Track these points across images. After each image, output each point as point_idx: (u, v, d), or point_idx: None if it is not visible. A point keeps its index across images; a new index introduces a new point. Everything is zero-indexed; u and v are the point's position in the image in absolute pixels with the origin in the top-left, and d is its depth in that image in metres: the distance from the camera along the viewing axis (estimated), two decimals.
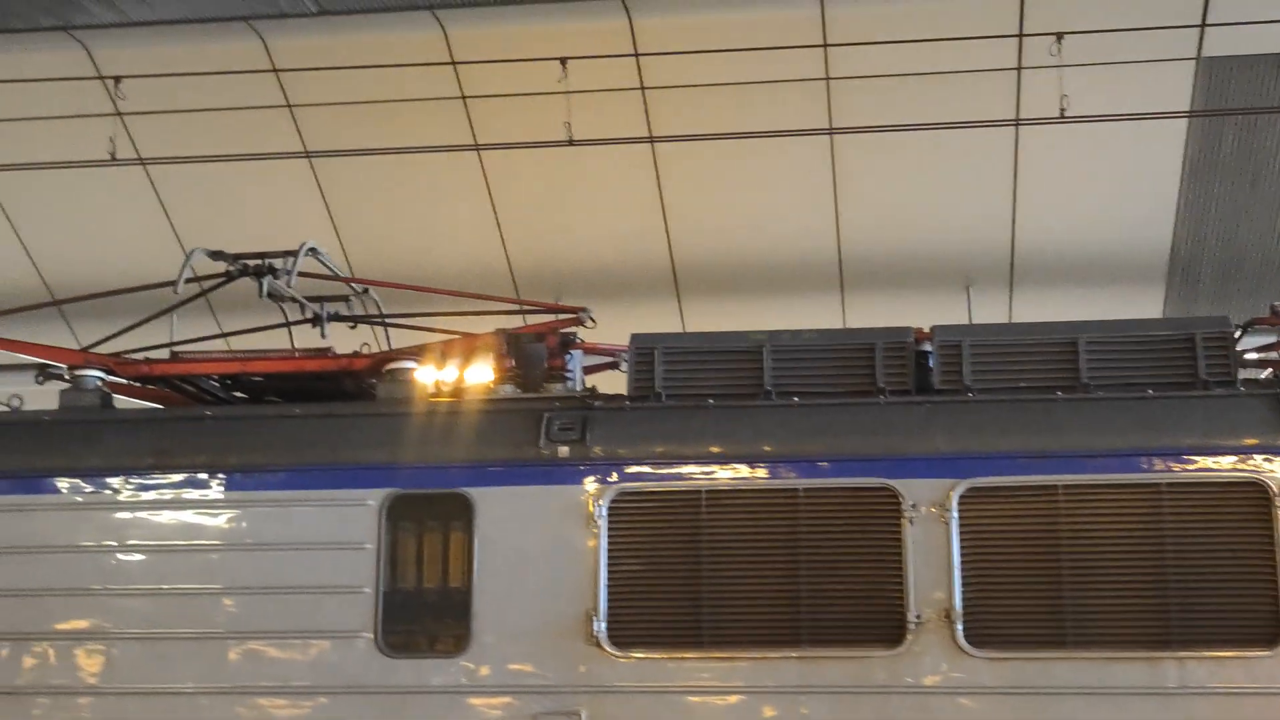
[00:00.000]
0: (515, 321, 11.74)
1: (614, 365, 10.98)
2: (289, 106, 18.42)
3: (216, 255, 11.04)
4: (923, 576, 8.92)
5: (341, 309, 11.54)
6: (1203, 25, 16.07)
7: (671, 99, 17.44)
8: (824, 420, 9.47)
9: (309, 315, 11.38)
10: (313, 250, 11.18)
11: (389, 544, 9.33)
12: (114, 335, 11.07)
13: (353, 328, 11.67)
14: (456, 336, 10.58)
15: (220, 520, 9.52)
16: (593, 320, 10.80)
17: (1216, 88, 16.79)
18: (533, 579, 9.17)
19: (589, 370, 10.76)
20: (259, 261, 10.89)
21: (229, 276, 11.04)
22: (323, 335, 11.26)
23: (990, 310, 19.14)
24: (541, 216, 18.84)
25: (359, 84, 17.70)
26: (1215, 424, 9.10)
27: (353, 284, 11.69)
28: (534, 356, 10.18)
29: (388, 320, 11.66)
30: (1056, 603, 8.83)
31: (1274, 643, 8.64)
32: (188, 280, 10.81)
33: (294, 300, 11.20)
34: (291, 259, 10.91)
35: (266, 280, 10.85)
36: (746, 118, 17.07)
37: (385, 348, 11.09)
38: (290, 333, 11.41)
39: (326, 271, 11.50)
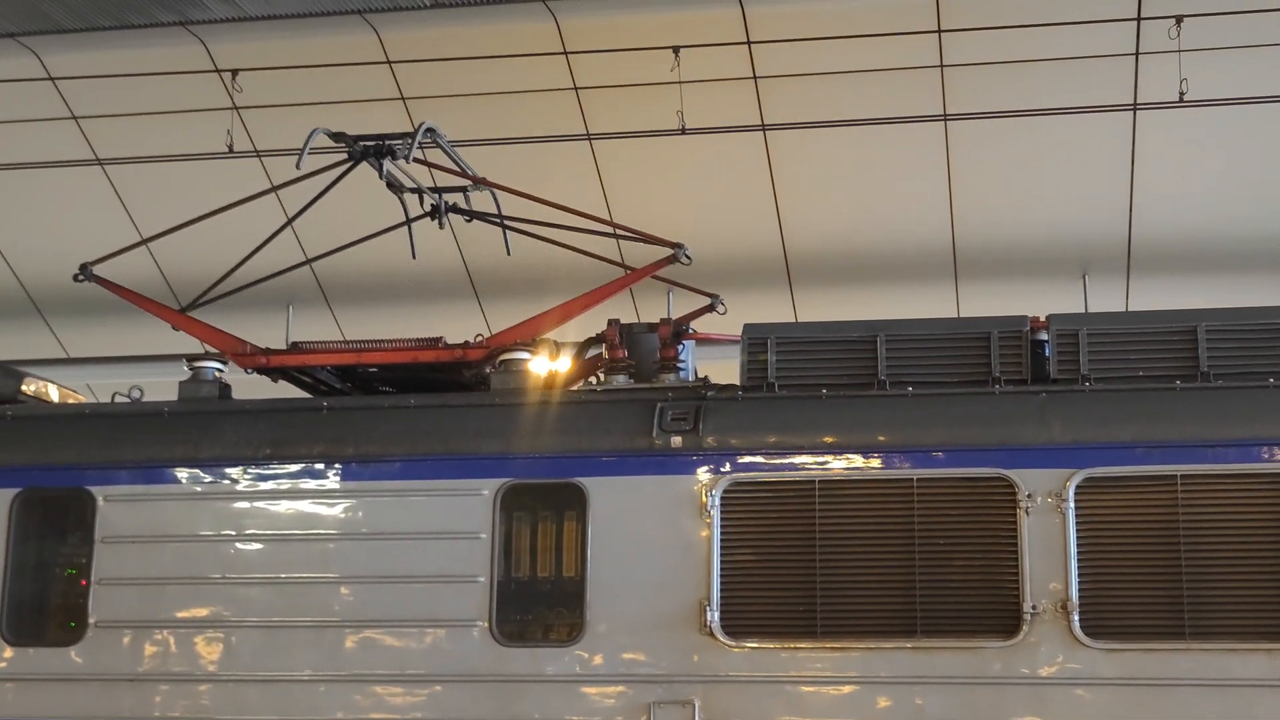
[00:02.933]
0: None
1: (710, 309, 10.91)
2: (402, 99, 18.62)
3: (337, 136, 11.02)
4: (1038, 567, 8.86)
5: (460, 203, 11.45)
6: None
7: (784, 87, 17.40)
8: (938, 410, 9.42)
9: (428, 210, 11.33)
10: (430, 130, 11.18)
11: (504, 533, 9.42)
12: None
13: (469, 221, 11.62)
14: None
15: (337, 510, 9.66)
16: (723, 306, 10.85)
17: None
18: (646, 569, 9.22)
19: (688, 317, 10.73)
20: (378, 143, 10.87)
21: (350, 159, 10.97)
22: (441, 227, 11.20)
23: (1107, 299, 18.89)
24: (653, 205, 18.88)
25: (472, 76, 17.86)
26: None
27: (472, 179, 11.47)
28: (647, 346, 10.22)
29: (506, 222, 11.59)
30: (1174, 594, 8.74)
31: None
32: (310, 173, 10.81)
33: (413, 190, 11.14)
34: (410, 140, 10.85)
35: (386, 162, 10.80)
36: (860, 105, 16.99)
37: (505, 251, 10.91)
38: (411, 231, 11.33)
39: (447, 160, 11.38)
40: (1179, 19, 14.30)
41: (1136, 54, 16.29)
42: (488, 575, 9.31)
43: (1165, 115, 16.45)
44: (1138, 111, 16.83)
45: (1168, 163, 17.55)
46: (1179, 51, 14.17)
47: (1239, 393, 9.14)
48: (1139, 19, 15.92)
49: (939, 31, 16.47)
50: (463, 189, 11.44)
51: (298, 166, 10.73)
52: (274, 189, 12.02)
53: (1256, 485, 8.82)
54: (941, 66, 16.89)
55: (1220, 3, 15.53)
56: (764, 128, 17.26)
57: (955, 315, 18.57)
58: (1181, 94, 13.82)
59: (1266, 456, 8.85)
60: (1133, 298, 19.05)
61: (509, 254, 11.70)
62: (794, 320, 18.62)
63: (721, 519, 9.24)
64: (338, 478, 9.69)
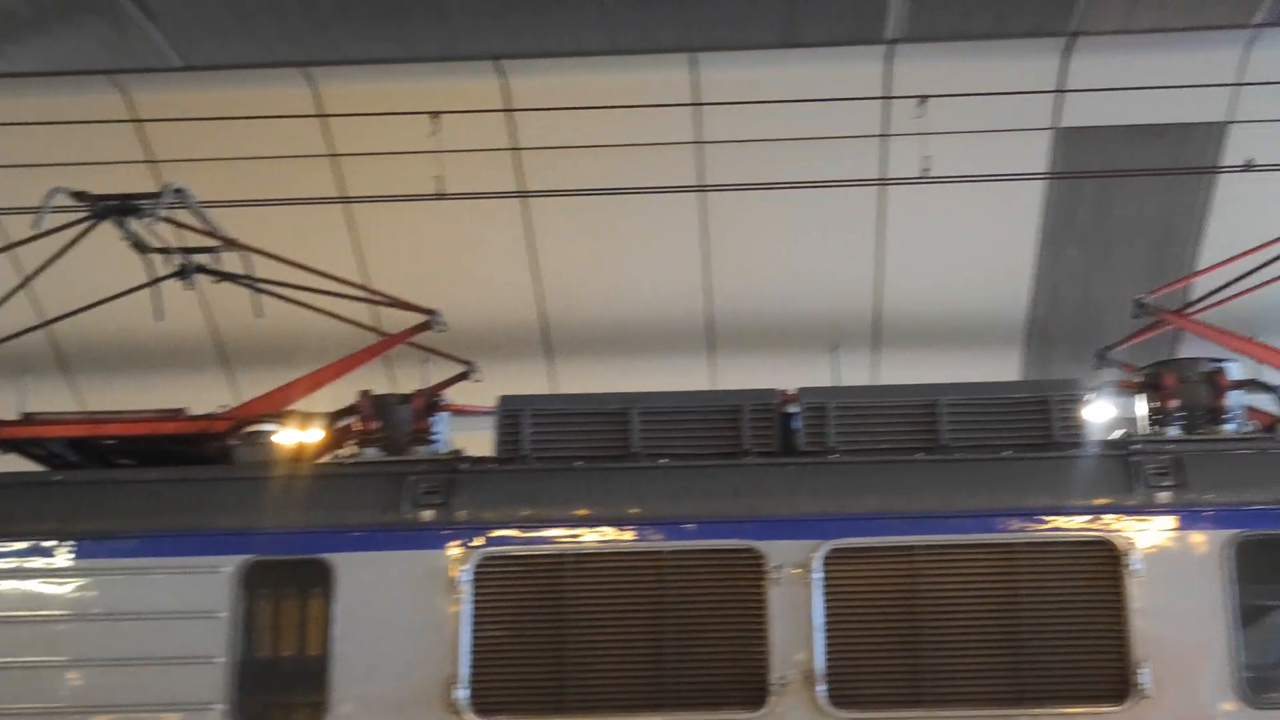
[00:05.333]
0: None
1: (465, 378, 10.82)
2: (152, 162, 18.14)
3: (80, 195, 10.62)
4: (785, 638, 8.94)
5: (209, 264, 11.10)
6: (1059, 91, 16.51)
7: (545, 157, 17.47)
8: (690, 482, 9.49)
9: (175, 270, 10.96)
10: (179, 191, 10.85)
11: (245, 612, 9.13)
12: None
13: (216, 282, 11.23)
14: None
15: (68, 589, 9.24)
16: (479, 375, 10.76)
17: (1073, 156, 17.23)
18: (393, 646, 9.03)
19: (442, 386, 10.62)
20: (121, 202, 10.51)
21: (91, 217, 10.55)
22: (187, 288, 10.83)
23: (856, 372, 19.34)
24: (411, 272, 18.71)
25: (227, 140, 17.49)
26: (1067, 484, 9.28)
27: (221, 239, 11.14)
28: (400, 417, 10.08)
29: (256, 284, 11.22)
30: (915, 662, 8.91)
31: (1122, 698, 8.79)
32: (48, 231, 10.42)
33: (159, 250, 10.82)
34: (156, 200, 10.53)
35: (130, 220, 10.46)
36: (620, 176, 17.15)
37: (253, 312, 10.74)
38: (156, 291, 10.97)
39: (194, 219, 11.05)
40: (923, 99, 14.83)
41: (883, 135, 16.84)
42: (227, 656, 9.01)
43: (911, 194, 17.00)
44: (886, 189, 17.36)
45: (914, 240, 18.14)
46: (921, 135, 14.70)
47: (976, 464, 9.44)
48: (886, 98, 16.47)
49: (696, 105, 16.77)
50: (211, 249, 11.12)
51: (36, 226, 10.32)
52: (7, 247, 11.50)
53: (992, 555, 9.09)
54: (699, 143, 17.18)
55: (963, 84, 16.17)
56: (523, 194, 17.30)
57: (710, 387, 18.80)
58: (924, 170, 14.30)
59: (1001, 527, 9.14)
60: (881, 372, 19.56)
61: (257, 315, 11.38)
62: (552, 391, 18.63)
63: (473, 595, 9.12)
64: (70, 555, 9.29)
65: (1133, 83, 16.25)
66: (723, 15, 15.71)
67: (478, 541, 9.20)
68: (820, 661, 8.90)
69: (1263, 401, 10.59)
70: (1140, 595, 8.92)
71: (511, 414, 9.77)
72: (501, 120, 17.12)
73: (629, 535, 9.27)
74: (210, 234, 11.17)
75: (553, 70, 16.85)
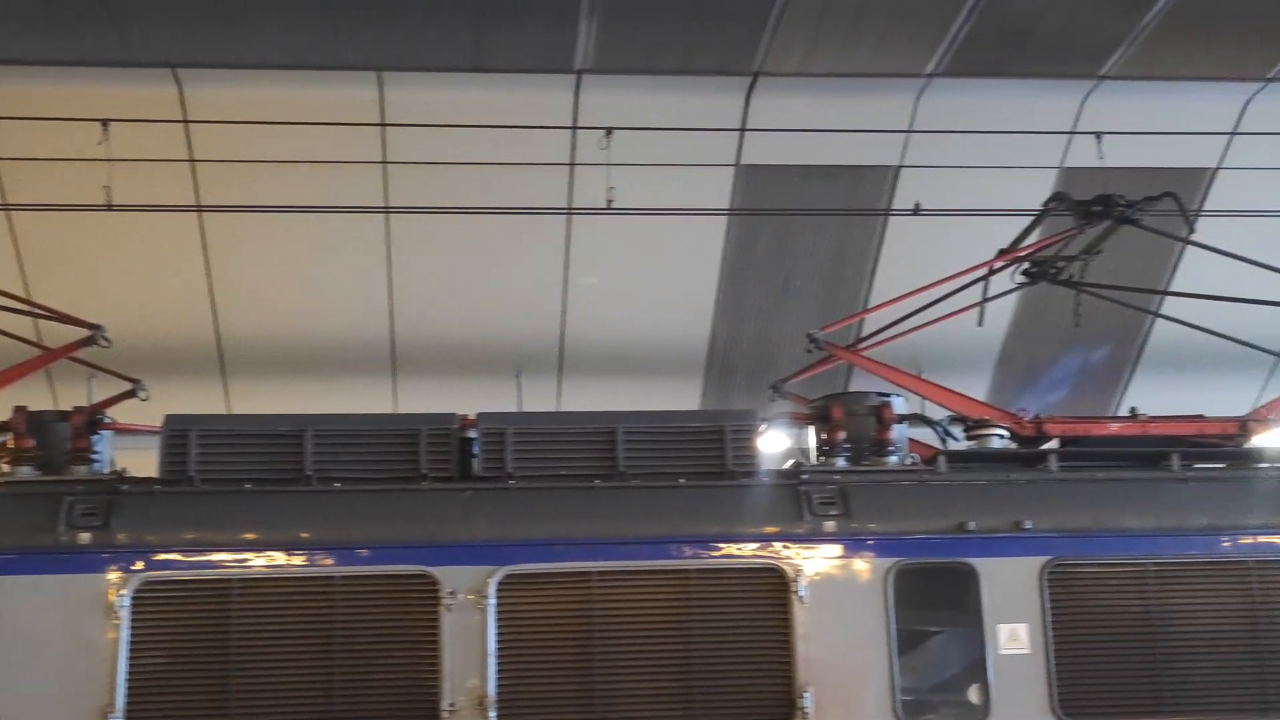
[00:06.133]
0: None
1: (132, 395, 10.45)
2: None
3: None
4: (458, 664, 8.92)
5: None
6: (740, 130, 16.95)
7: (223, 172, 16.96)
8: (365, 507, 9.36)
9: None
10: None
11: None
12: None
13: None
14: None
15: None
16: (145, 392, 10.38)
17: (753, 193, 17.70)
18: (47, 674, 8.64)
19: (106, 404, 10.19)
20: None
21: None
22: None
23: (541, 398, 19.40)
24: (78, 284, 17.90)
25: None
26: (739, 512, 9.49)
27: None
28: (56, 436, 9.61)
29: None
30: (588, 687, 8.97)
31: None
32: None
33: None
34: None
35: None
36: (302, 195, 16.78)
37: None
38: None
39: None
40: (609, 131, 15.00)
41: (572, 163, 16.96)
42: None
43: (597, 224, 17.15)
44: (572, 216, 17.48)
45: (599, 270, 18.30)
46: (607, 165, 14.85)
47: (652, 492, 9.55)
48: (574, 128, 16.60)
49: (382, 125, 16.58)
50: None
51: None
52: None
53: (665, 581, 9.22)
54: (384, 163, 16.98)
55: (650, 118, 16.43)
56: (198, 209, 16.74)
57: (393, 411, 18.58)
58: (609, 201, 14.47)
59: (675, 553, 9.27)
60: (565, 398, 19.67)
61: None
62: (227, 412, 18.09)
63: (132, 620, 8.78)
64: None
65: (811, 124, 16.79)
66: (412, 36, 15.57)
67: (138, 565, 8.90)
68: (492, 687, 8.87)
69: (925, 435, 11.05)
70: (806, 621, 9.18)
71: (177, 434, 9.48)
72: (179, 131, 16.55)
73: (299, 560, 9.10)
74: None
75: (233, 82, 16.39)
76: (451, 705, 8.83)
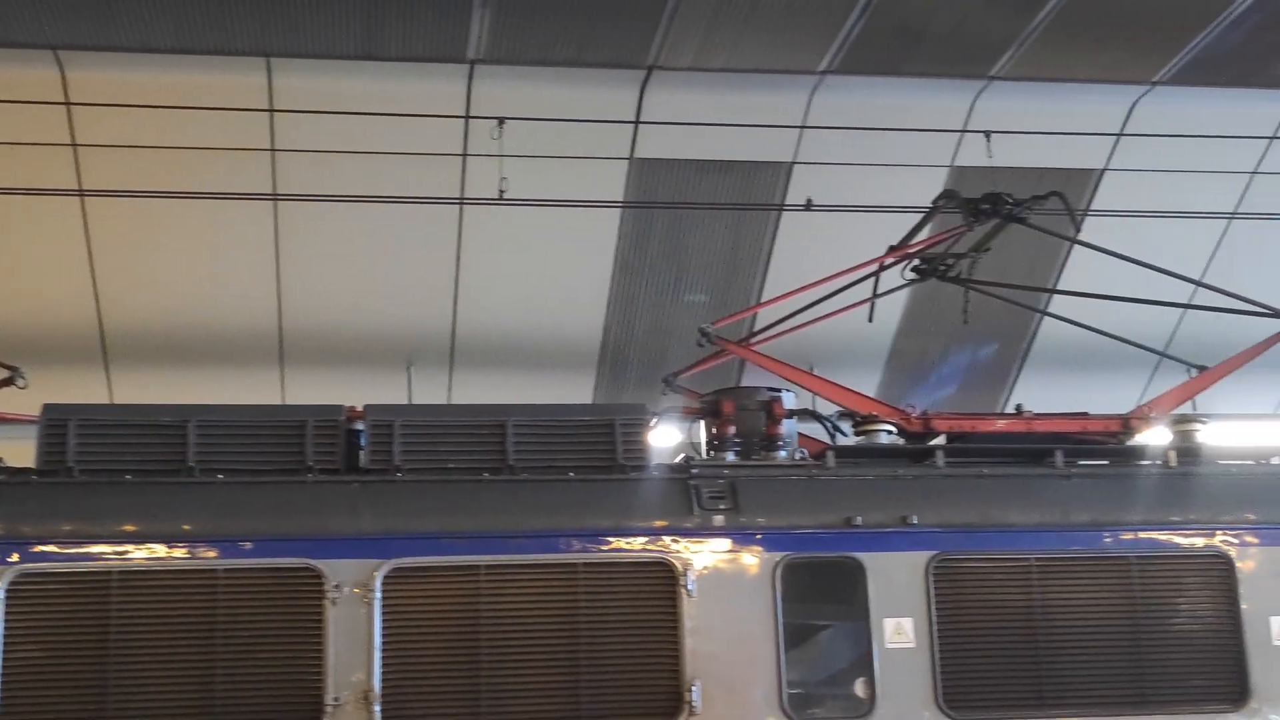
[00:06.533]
0: None
1: (10, 383, 10.24)
2: None
3: None
4: (343, 658, 8.83)
5: None
6: (635, 123, 16.91)
7: (106, 157, 16.61)
8: (249, 499, 9.25)
9: None
10: None
11: None
12: None
13: None
14: None
15: None
16: (24, 380, 10.29)
17: (647, 187, 17.70)
18: None
19: None
20: None
21: None
22: None
23: (433, 390, 19.25)
24: None
25: None
26: (629, 506, 9.48)
27: None
28: None
29: None
30: (475, 682, 8.93)
31: (674, 715, 9.04)
32: None
33: None
34: None
35: None
36: (188, 180, 16.50)
37: None
38: None
39: None
40: (502, 120, 14.93)
41: (464, 154, 16.83)
42: None
43: (489, 215, 17.06)
44: (464, 207, 17.36)
45: (491, 261, 18.19)
46: (500, 156, 14.77)
47: (541, 485, 9.52)
48: (466, 117, 16.48)
49: (270, 111, 16.34)
50: None
51: None
52: None
53: (554, 575, 9.19)
54: (273, 150, 16.74)
55: (544, 110, 16.37)
56: (80, 193, 16.39)
57: (282, 402, 18.33)
58: (501, 192, 14.38)
59: (565, 547, 9.24)
60: (455, 391, 19.53)
61: None
62: (110, 402, 17.75)
63: (5, 614, 8.61)
64: None
65: (706, 119, 16.83)
66: (301, 21, 15.35)
67: (13, 558, 8.71)
68: (377, 682, 8.80)
69: (817, 430, 11.12)
70: (694, 615, 9.20)
71: (56, 423, 9.31)
72: (61, 114, 16.19)
73: (180, 553, 8.97)
74: None
75: (117, 65, 16.04)
76: (336, 699, 8.75)
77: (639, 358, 19.36)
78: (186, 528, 9.02)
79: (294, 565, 8.98)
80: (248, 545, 9.02)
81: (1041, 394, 18.55)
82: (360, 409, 9.77)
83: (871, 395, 11.57)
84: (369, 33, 15.66)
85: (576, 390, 19.43)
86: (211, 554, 8.95)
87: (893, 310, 18.71)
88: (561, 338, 19.09)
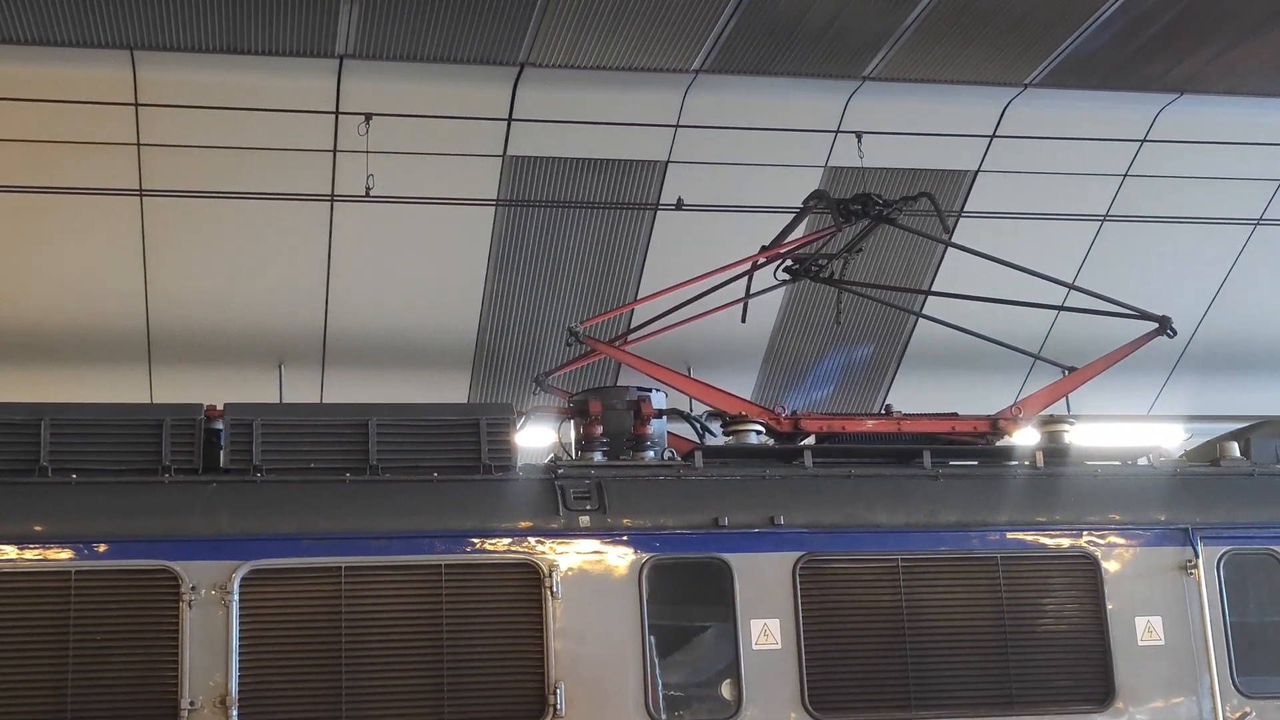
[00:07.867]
0: None
1: None
2: None
3: None
4: (199, 661, 8.70)
5: None
6: (506, 120, 16.78)
7: None
8: (104, 499, 9.06)
9: None
10: None
11: None
12: None
13: None
14: None
15: None
16: None
17: (521, 184, 17.58)
18: None
19: None
20: None
21: None
22: None
23: (304, 389, 18.98)
24: None
25: None
26: (494, 507, 9.38)
27: None
28: None
29: None
30: (335, 685, 8.81)
31: (539, 718, 8.98)
32: None
33: None
34: None
35: None
36: (54, 174, 16.11)
37: None
38: None
39: None
40: (368, 116, 14.73)
41: (335, 150, 16.60)
42: None
43: (360, 212, 16.84)
44: (334, 204, 17.11)
45: (361, 258, 17.96)
46: (368, 153, 14.59)
47: (404, 486, 9.39)
48: (336, 113, 16.24)
49: (136, 105, 15.99)
50: None
51: None
52: None
53: (417, 577, 9.07)
54: (138, 145, 16.37)
55: (415, 106, 16.18)
56: None
57: (149, 401, 17.96)
58: (368, 189, 14.20)
59: (428, 549, 9.13)
60: (327, 390, 19.27)
61: None
62: None
63: None
64: None
65: (580, 117, 16.74)
66: (164, 12, 15.00)
67: None
68: (235, 685, 8.66)
69: (687, 430, 11.09)
70: (560, 617, 9.14)
71: None
72: None
73: (33, 554, 8.77)
74: None
75: None
76: (191, 704, 8.61)
77: (514, 356, 19.24)
78: (39, 529, 8.82)
79: (149, 567, 8.82)
80: (102, 547, 8.84)
81: (918, 395, 18.76)
82: (220, 408, 9.58)
83: (748, 396, 11.55)
84: (234, 25, 15.36)
85: (451, 389, 19.26)
86: (65, 555, 8.77)
87: (769, 311, 18.76)
88: (436, 336, 18.90)
